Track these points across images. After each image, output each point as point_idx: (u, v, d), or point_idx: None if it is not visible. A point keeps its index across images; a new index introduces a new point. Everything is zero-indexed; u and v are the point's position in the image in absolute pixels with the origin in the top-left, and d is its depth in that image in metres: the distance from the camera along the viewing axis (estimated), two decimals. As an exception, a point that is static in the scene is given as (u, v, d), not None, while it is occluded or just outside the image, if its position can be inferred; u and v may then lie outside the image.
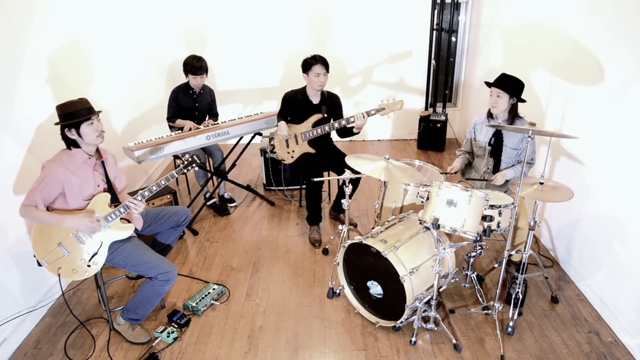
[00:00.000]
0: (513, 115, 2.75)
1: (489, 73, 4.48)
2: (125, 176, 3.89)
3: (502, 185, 2.87)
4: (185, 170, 2.51)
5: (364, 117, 3.13)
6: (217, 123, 3.71)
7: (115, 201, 2.43)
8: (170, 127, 3.79)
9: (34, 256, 2.25)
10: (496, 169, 2.88)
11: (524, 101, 2.72)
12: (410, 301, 2.35)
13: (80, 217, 2.24)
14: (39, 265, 2.25)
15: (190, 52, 5.05)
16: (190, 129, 3.53)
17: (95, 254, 2.31)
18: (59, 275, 2.24)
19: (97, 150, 2.40)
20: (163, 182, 2.43)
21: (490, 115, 2.84)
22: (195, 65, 3.56)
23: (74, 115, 2.21)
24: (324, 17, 5.08)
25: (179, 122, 3.69)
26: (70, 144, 2.29)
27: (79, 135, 2.24)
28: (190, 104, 3.76)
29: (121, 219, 2.38)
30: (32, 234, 2.24)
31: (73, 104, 2.24)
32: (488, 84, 2.76)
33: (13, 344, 2.52)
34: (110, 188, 2.44)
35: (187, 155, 2.55)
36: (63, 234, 2.26)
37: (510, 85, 2.67)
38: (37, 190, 2.19)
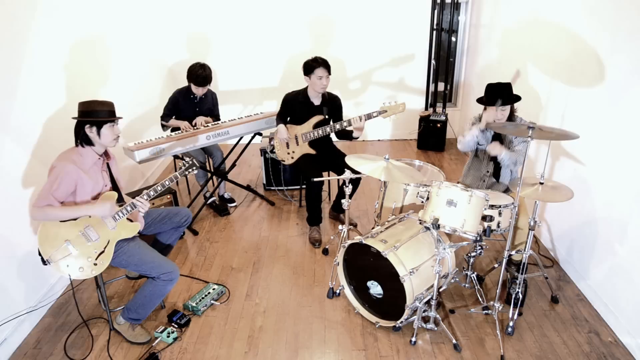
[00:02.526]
0: (511, 114, 2.74)
1: (489, 73, 4.48)
2: (123, 177, 3.90)
3: (501, 186, 2.88)
4: (186, 173, 2.57)
5: (360, 120, 3.12)
6: (217, 123, 3.71)
7: (120, 200, 2.44)
8: (163, 126, 3.78)
9: (39, 254, 2.24)
10: (496, 172, 2.87)
11: (519, 99, 2.70)
12: (410, 301, 2.35)
13: (102, 202, 2.28)
14: (45, 263, 2.24)
15: (191, 54, 5.12)
16: (185, 129, 3.53)
17: (102, 252, 2.31)
18: (69, 274, 2.24)
19: (105, 151, 2.42)
20: (167, 183, 2.48)
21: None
22: (200, 75, 3.51)
23: (100, 114, 2.26)
24: (324, 17, 5.08)
25: (173, 122, 3.68)
26: (84, 141, 2.29)
27: (99, 134, 2.27)
28: (191, 109, 3.74)
29: (126, 218, 2.39)
30: (39, 232, 2.24)
31: (101, 103, 2.29)
32: (483, 102, 2.70)
33: (13, 344, 2.52)
34: (115, 187, 2.45)
35: (187, 158, 2.58)
36: (71, 232, 2.26)
37: (510, 94, 2.64)
38: (52, 190, 2.18)
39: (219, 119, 3.91)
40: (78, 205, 2.25)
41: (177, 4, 4.97)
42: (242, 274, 3.14)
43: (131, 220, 2.44)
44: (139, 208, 2.37)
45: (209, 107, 3.85)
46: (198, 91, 3.64)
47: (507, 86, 2.66)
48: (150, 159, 3.28)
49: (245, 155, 5.02)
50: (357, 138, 3.29)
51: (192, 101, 3.73)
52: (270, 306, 2.81)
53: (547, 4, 3.27)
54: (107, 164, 2.44)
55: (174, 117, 3.72)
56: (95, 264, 2.30)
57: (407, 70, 5.34)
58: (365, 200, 4.11)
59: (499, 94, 2.63)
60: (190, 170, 2.59)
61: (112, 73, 3.91)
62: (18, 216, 2.59)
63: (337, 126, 3.24)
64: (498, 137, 2.81)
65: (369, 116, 3.13)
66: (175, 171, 2.57)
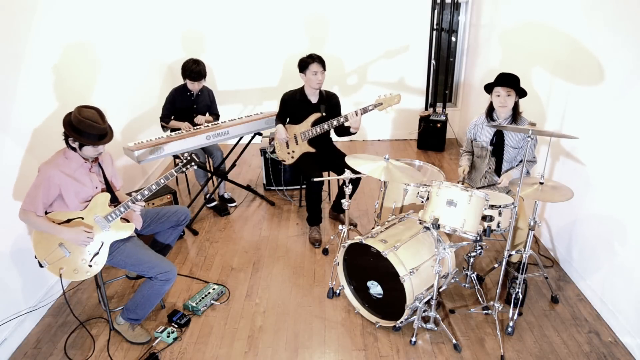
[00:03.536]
0: (516, 112, 2.75)
1: (489, 73, 4.48)
2: (123, 176, 3.90)
3: (503, 187, 2.87)
4: (184, 169, 2.53)
5: (356, 114, 3.13)
6: (217, 123, 3.71)
7: (114, 201, 2.43)
8: (163, 127, 3.78)
9: (35, 257, 2.25)
10: (498, 168, 2.87)
11: (525, 94, 2.71)
12: (410, 301, 2.35)
13: (78, 231, 2.24)
14: (41, 266, 2.25)
15: (190, 53, 5.12)
16: (186, 130, 3.53)
17: (97, 254, 2.31)
18: (60, 275, 2.24)
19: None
20: (162, 181, 2.44)
21: (489, 115, 2.83)
22: (193, 70, 3.54)
23: (86, 136, 2.18)
24: (324, 18, 5.08)
25: (174, 123, 3.68)
26: (69, 146, 2.28)
27: (80, 148, 2.24)
28: (188, 106, 3.75)
29: (121, 218, 2.38)
30: (33, 235, 2.24)
31: (91, 126, 2.17)
32: (491, 86, 2.74)
33: (13, 344, 2.52)
34: (109, 188, 2.44)
35: (186, 154, 2.55)
36: None
37: (517, 82, 2.67)
38: (36, 196, 2.18)
39: (219, 116, 3.92)
40: (54, 225, 2.22)
41: (176, 4, 4.96)
42: (242, 274, 3.13)
43: (127, 221, 2.43)
44: (132, 207, 2.36)
45: (207, 104, 3.86)
46: (194, 86, 3.65)
47: (517, 77, 2.68)
48: (150, 158, 3.28)
49: (245, 155, 5.02)
50: (354, 133, 3.30)
51: (189, 98, 3.73)
52: (270, 306, 2.81)
53: (547, 3, 3.27)
54: (100, 165, 2.42)
55: (172, 117, 3.72)
56: (90, 266, 2.30)
57: (407, 70, 5.34)
58: (365, 200, 4.11)
59: (508, 79, 2.66)
60: (188, 166, 2.54)
61: (112, 73, 3.90)
62: (17, 216, 2.59)
63: (334, 122, 3.24)
64: (499, 137, 2.81)
65: (365, 110, 3.14)
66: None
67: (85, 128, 2.17)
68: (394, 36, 5.17)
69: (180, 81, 3.78)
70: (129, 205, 2.35)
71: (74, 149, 2.27)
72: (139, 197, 2.37)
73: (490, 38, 4.53)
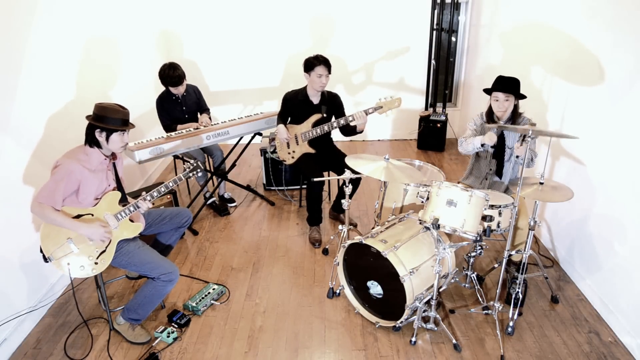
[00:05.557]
0: (515, 114, 2.74)
1: (489, 73, 4.48)
2: (125, 176, 3.89)
3: (502, 185, 2.88)
4: (190, 174, 2.62)
5: (366, 114, 3.13)
6: (216, 123, 3.71)
7: (123, 200, 2.44)
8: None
9: (41, 251, 2.23)
10: (499, 170, 2.87)
11: (524, 97, 2.71)
12: (410, 301, 2.35)
13: (96, 226, 2.25)
14: (46, 261, 2.23)
15: (192, 52, 5.12)
16: (194, 128, 3.53)
17: (104, 251, 2.32)
18: (69, 271, 2.24)
19: (112, 152, 2.42)
20: (171, 185, 2.50)
21: (489, 117, 2.82)
22: (172, 75, 3.49)
23: (112, 121, 2.24)
24: (324, 17, 5.08)
25: (181, 127, 3.67)
26: (93, 142, 2.29)
27: (107, 140, 2.27)
28: (178, 109, 3.73)
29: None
30: (42, 229, 2.23)
31: (115, 110, 2.26)
32: (489, 90, 2.73)
33: (13, 344, 2.52)
34: (119, 187, 2.46)
35: (191, 160, 2.61)
36: None
37: (516, 86, 2.66)
38: (55, 189, 2.17)
39: (209, 110, 3.93)
40: (71, 220, 2.22)
41: (177, 4, 4.97)
42: (242, 274, 3.14)
43: (132, 221, 2.44)
44: (140, 206, 2.38)
45: (195, 101, 3.85)
46: (178, 90, 3.62)
47: (516, 81, 2.66)
48: (151, 159, 3.28)
49: (245, 155, 5.02)
50: (361, 132, 3.29)
51: (176, 102, 3.71)
52: (270, 306, 2.81)
53: (547, 4, 3.27)
54: (113, 163, 2.44)
55: (172, 123, 3.71)
56: (96, 263, 2.30)
57: (407, 70, 5.34)
58: (365, 200, 4.11)
59: (507, 84, 2.64)
60: (194, 172, 2.63)
61: (111, 73, 3.90)
62: (18, 216, 2.59)
63: (335, 124, 3.25)
64: (500, 139, 2.80)
65: (365, 112, 3.15)
66: (176, 171, 2.58)
67: (110, 113, 2.24)
68: (395, 36, 5.17)
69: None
70: (139, 205, 2.37)
71: (97, 145, 2.28)
72: (147, 197, 2.41)
73: (490, 38, 4.53)
